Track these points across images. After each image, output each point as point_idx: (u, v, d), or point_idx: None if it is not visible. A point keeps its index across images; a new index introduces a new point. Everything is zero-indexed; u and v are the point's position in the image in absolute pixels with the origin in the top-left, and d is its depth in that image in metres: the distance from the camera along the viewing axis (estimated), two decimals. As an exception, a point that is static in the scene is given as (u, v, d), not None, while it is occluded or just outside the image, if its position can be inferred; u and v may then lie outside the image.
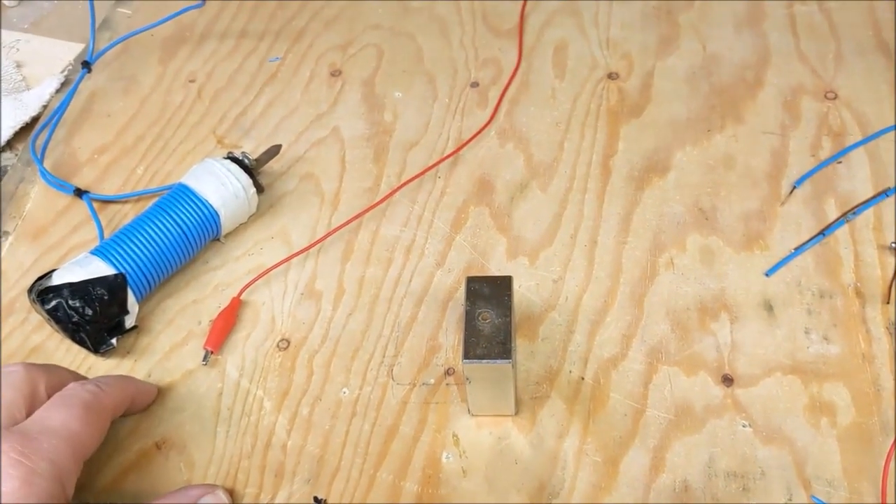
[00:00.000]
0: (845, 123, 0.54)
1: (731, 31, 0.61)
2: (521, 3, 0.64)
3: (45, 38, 0.68)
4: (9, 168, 0.58)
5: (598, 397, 0.44)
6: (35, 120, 0.61)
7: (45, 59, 0.66)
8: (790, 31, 0.61)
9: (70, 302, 0.44)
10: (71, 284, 0.45)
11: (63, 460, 0.36)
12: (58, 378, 0.41)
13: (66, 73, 0.64)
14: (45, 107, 0.61)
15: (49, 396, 0.39)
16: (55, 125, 0.58)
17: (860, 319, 0.45)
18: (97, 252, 0.46)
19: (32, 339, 0.48)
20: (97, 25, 0.66)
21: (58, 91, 0.62)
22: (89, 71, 0.60)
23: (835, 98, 0.56)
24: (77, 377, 0.43)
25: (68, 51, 0.66)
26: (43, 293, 0.45)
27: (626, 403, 0.43)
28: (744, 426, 0.42)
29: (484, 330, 0.40)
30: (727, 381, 0.44)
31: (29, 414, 0.38)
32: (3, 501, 0.33)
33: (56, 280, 0.45)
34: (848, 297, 0.46)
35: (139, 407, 0.44)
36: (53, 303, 0.44)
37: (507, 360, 0.39)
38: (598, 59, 0.60)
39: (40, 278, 0.46)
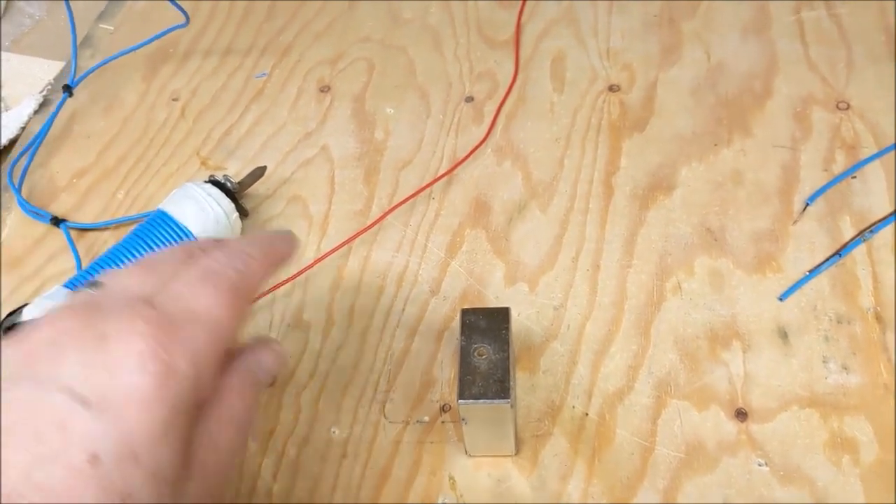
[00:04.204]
0: (859, 135, 0.52)
1: (737, 39, 0.58)
2: (518, 12, 0.62)
3: (25, 56, 0.65)
4: (-16, 194, 0.55)
5: (603, 434, 0.41)
6: (13, 142, 0.58)
7: (25, 78, 0.64)
8: (798, 37, 0.58)
9: (42, 340, 0.42)
10: (42, 321, 0.42)
11: (203, 358, 0.29)
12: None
13: (45, 92, 0.61)
14: (23, 128, 0.59)
15: None
16: (34, 152, 0.55)
17: (881, 347, 0.43)
18: (70, 286, 0.44)
19: (5, 377, 0.46)
20: (79, 42, 0.63)
21: (37, 112, 0.60)
22: (70, 95, 0.58)
23: (847, 108, 0.53)
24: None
25: (48, 69, 0.64)
26: (11, 330, 0.42)
27: (633, 441, 0.41)
28: (760, 465, 0.40)
29: (480, 367, 0.37)
30: (741, 415, 0.41)
31: None
32: (133, 398, 0.26)
33: (26, 316, 0.43)
34: (867, 323, 0.44)
35: (281, 267, 0.35)
36: (24, 341, 0.42)
37: (505, 400, 0.36)
38: (599, 71, 0.57)
39: (10, 314, 0.43)
